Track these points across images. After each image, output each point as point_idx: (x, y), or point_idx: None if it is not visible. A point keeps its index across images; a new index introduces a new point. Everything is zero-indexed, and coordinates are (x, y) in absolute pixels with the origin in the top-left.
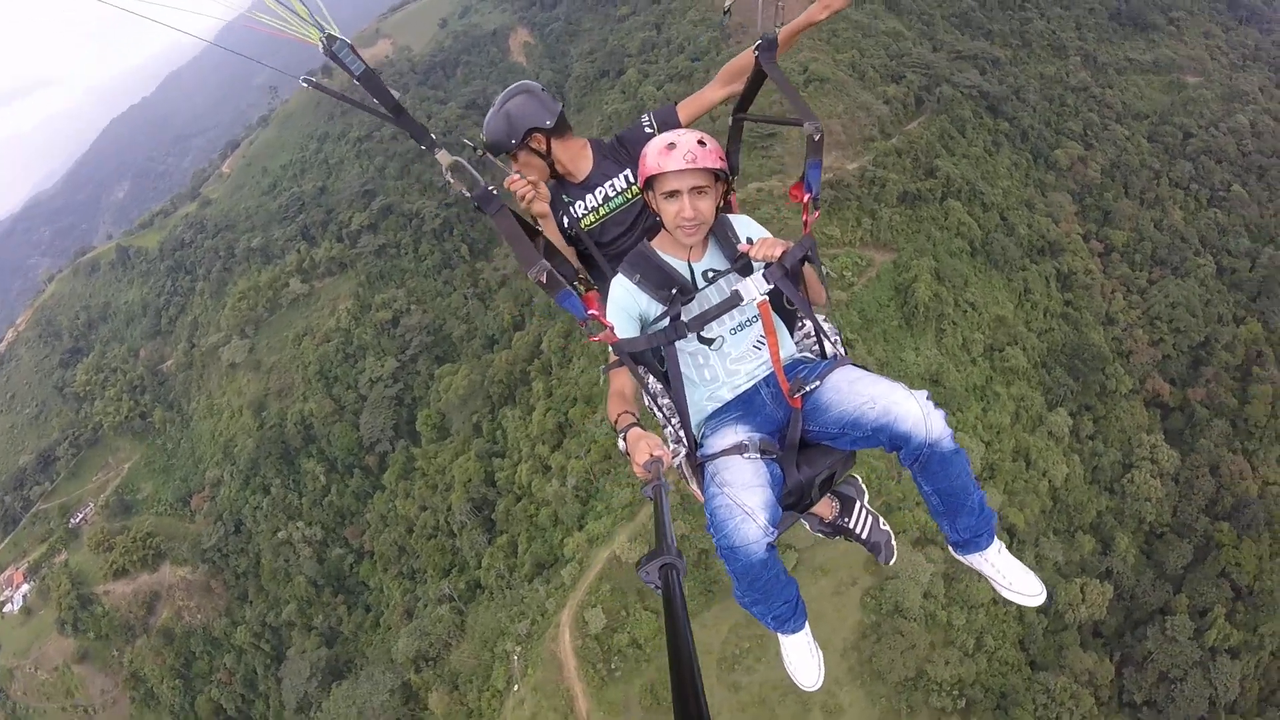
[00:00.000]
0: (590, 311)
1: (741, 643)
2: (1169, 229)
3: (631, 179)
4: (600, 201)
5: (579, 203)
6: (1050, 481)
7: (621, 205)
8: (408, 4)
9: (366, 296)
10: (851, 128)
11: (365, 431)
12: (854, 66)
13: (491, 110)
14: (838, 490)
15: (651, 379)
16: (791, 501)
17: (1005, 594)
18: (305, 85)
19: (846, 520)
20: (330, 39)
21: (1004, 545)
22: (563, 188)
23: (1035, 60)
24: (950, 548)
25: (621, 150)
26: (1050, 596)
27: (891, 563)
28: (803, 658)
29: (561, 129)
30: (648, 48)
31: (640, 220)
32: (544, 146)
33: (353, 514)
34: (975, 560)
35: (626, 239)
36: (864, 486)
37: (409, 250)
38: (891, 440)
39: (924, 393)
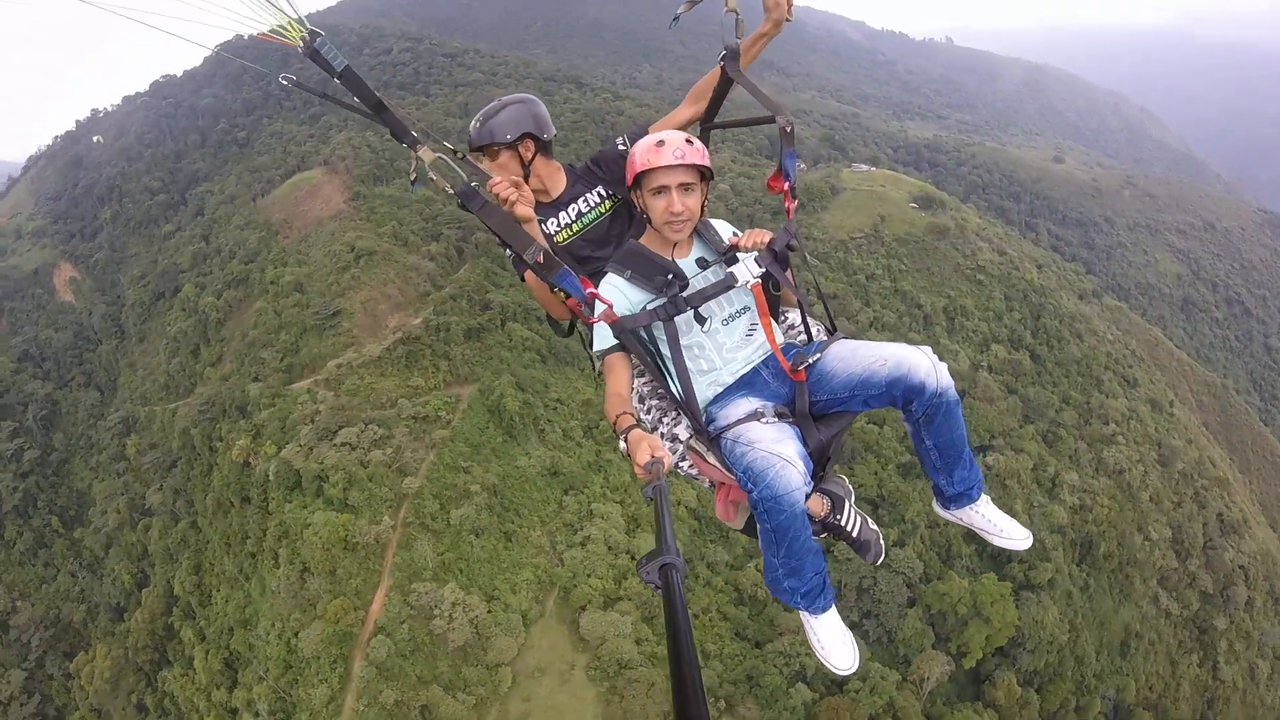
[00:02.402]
0: (589, 290)
1: None
2: None
3: (605, 194)
4: (574, 217)
5: (552, 220)
6: (686, 505)
7: (595, 220)
8: None
9: None
10: (407, 288)
11: None
12: (396, 235)
13: (493, 104)
14: (827, 489)
15: (639, 381)
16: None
17: (997, 542)
18: (286, 84)
19: (838, 518)
20: (312, 35)
21: (989, 498)
22: (535, 208)
23: None
24: (940, 507)
25: (595, 169)
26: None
27: (879, 562)
28: (835, 638)
29: (549, 149)
30: (200, 259)
31: (615, 236)
32: (530, 155)
33: None
34: (966, 514)
35: (604, 251)
36: (850, 486)
37: None
38: (906, 393)
39: (928, 347)
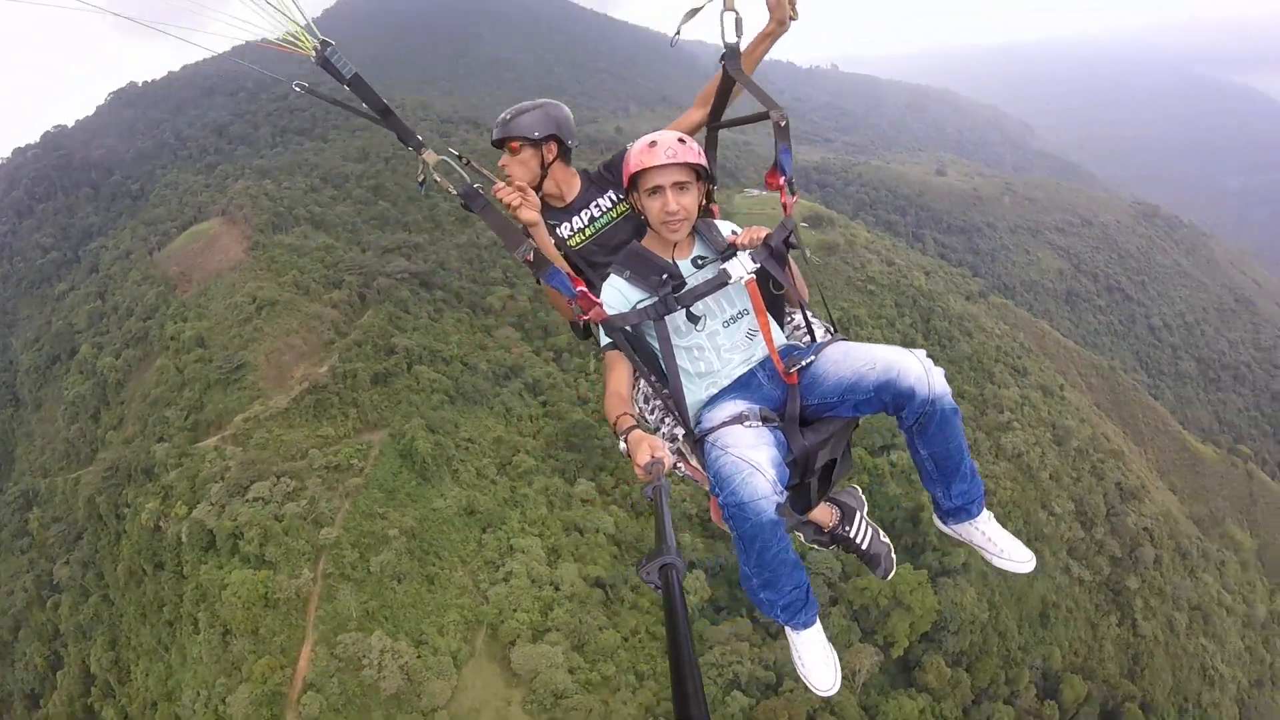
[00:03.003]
0: (578, 289)
1: None
2: None
3: (616, 198)
4: (586, 222)
5: (565, 224)
6: (605, 532)
7: (607, 225)
8: None
9: None
10: (311, 337)
11: None
12: (297, 284)
13: (526, 103)
14: (838, 499)
15: (641, 382)
16: (796, 475)
17: (997, 563)
18: (299, 91)
19: (847, 529)
20: (323, 44)
21: (992, 515)
22: (547, 212)
23: (448, 235)
24: (940, 520)
25: (607, 175)
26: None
27: (890, 577)
28: (817, 657)
29: (569, 155)
30: (96, 318)
31: (627, 240)
32: (552, 156)
33: None
34: (966, 530)
35: (617, 255)
36: (864, 498)
37: None
38: (895, 398)
39: (922, 351)
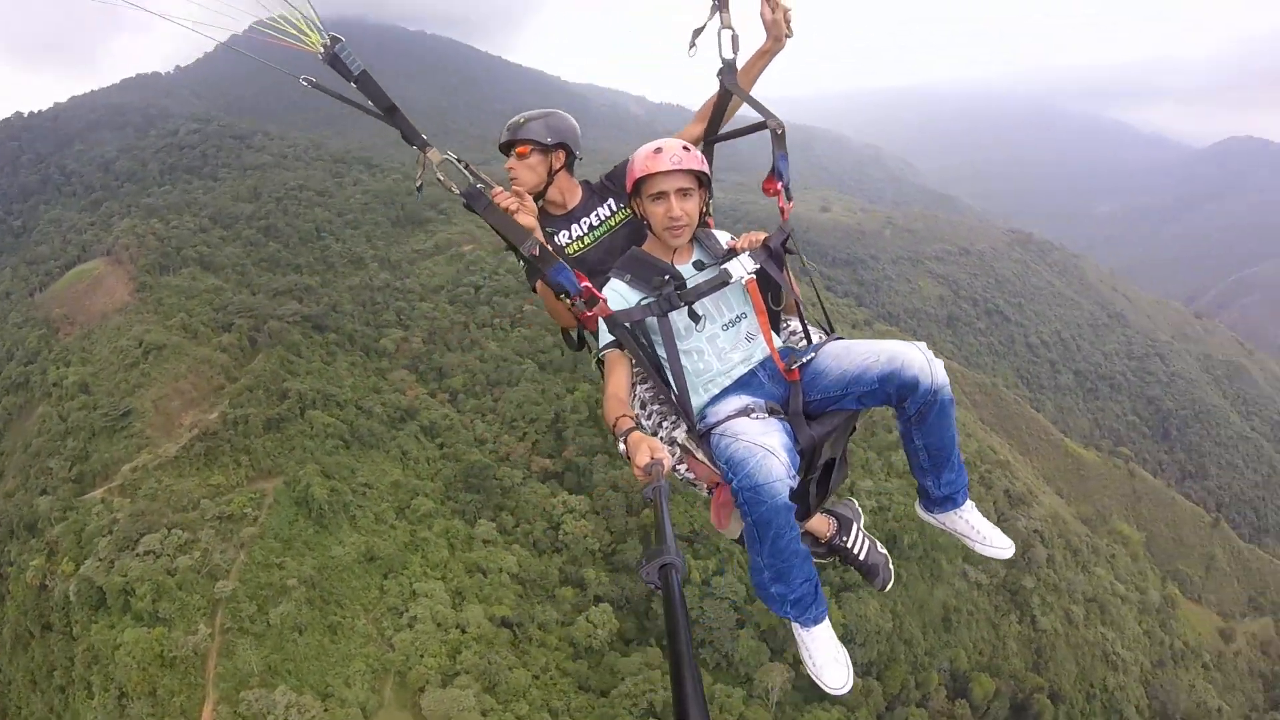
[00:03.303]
0: (583, 284)
1: None
2: (492, 357)
3: (616, 206)
4: (585, 230)
5: (564, 232)
6: (508, 571)
7: (606, 232)
8: None
9: None
10: (200, 382)
11: None
12: (185, 328)
13: (535, 110)
14: (835, 510)
15: (641, 388)
16: (802, 468)
17: (980, 549)
18: (306, 85)
19: (844, 540)
20: (333, 40)
21: (974, 504)
22: (546, 219)
23: (341, 277)
24: (924, 510)
25: (608, 184)
26: None
27: (888, 588)
28: (828, 654)
29: (573, 166)
30: None
31: (625, 248)
32: (559, 165)
33: None
34: (950, 519)
35: (614, 262)
36: (860, 509)
37: None
38: (899, 389)
39: (923, 343)
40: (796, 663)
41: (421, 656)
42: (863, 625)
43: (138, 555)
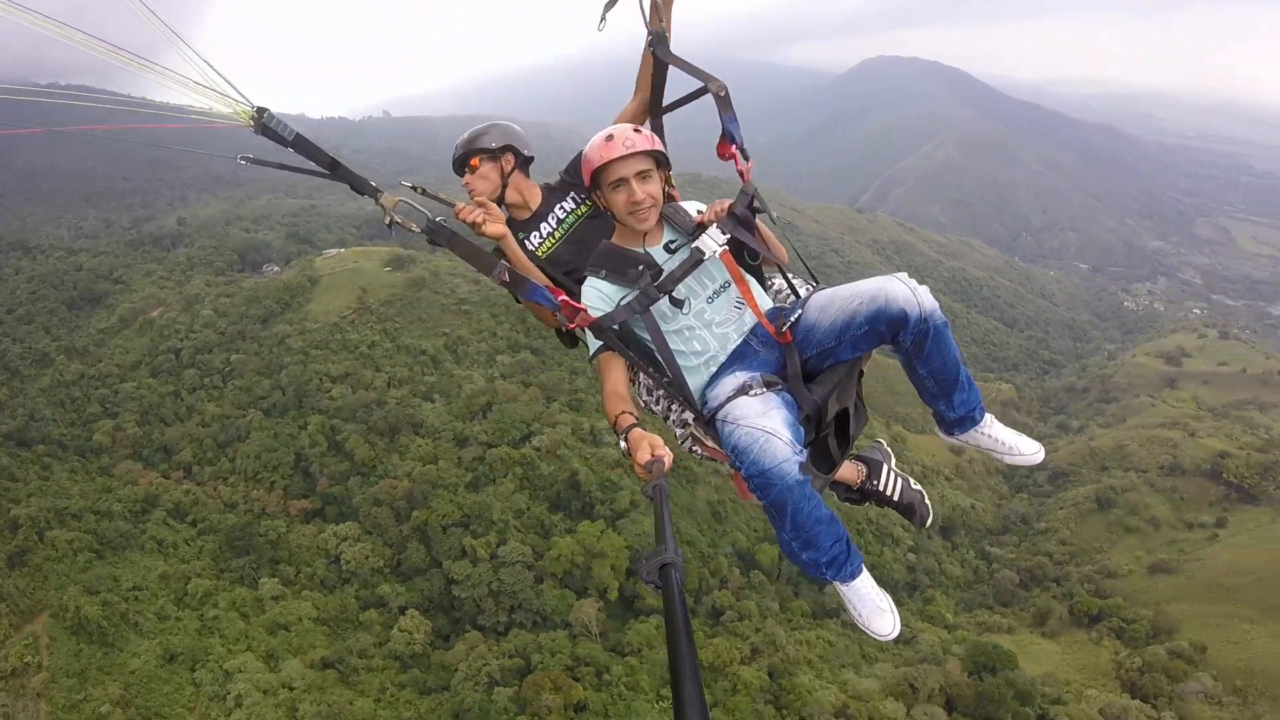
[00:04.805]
0: (560, 298)
1: None
2: (214, 418)
3: (578, 198)
4: (554, 227)
5: (534, 234)
6: (308, 617)
7: (573, 225)
8: None
9: None
10: None
11: None
12: None
13: (478, 126)
14: (863, 455)
15: (642, 376)
16: (811, 431)
17: (1009, 459)
18: (244, 163)
19: (876, 483)
20: (259, 110)
21: (994, 417)
22: (515, 225)
23: (29, 382)
24: (946, 434)
25: (566, 179)
26: None
27: (928, 524)
28: (872, 603)
29: (527, 168)
30: None
31: (593, 240)
32: (510, 167)
33: None
34: (973, 436)
35: (586, 256)
36: (889, 450)
37: None
38: (890, 325)
39: (904, 273)
40: (603, 592)
41: None
42: (643, 543)
43: None
